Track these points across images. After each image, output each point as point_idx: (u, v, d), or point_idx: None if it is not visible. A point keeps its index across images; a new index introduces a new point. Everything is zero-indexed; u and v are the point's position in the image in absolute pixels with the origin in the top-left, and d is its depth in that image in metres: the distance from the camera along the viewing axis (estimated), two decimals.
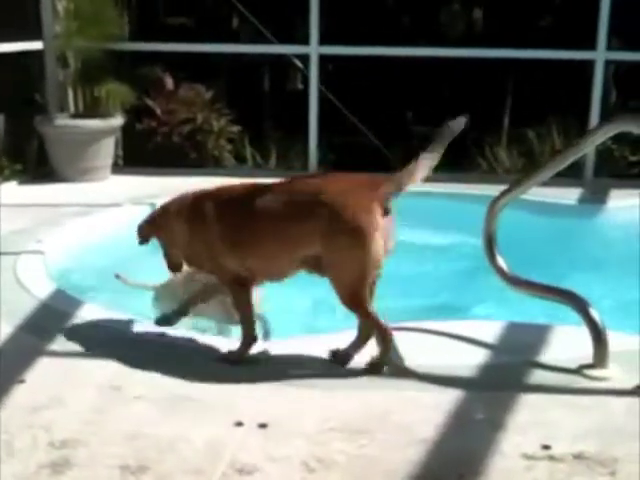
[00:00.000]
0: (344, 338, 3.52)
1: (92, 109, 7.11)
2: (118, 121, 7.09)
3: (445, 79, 9.70)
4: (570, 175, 6.21)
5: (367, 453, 2.54)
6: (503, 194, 3.55)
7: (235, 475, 2.40)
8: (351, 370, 3.15)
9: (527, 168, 7.68)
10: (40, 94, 7.44)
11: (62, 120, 6.96)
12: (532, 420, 2.76)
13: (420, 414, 2.79)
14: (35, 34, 7.07)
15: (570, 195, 6.49)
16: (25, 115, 7.18)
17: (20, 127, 7.24)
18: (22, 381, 2.99)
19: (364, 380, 3.09)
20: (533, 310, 3.95)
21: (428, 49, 8.26)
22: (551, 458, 2.51)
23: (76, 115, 7.09)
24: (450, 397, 2.90)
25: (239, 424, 2.70)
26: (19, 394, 2.91)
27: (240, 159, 8.24)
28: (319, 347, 3.42)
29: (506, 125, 8.46)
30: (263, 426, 2.69)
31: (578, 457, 2.51)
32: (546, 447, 2.56)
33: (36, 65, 7.23)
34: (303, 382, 3.04)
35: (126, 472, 2.41)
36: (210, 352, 3.32)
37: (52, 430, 2.65)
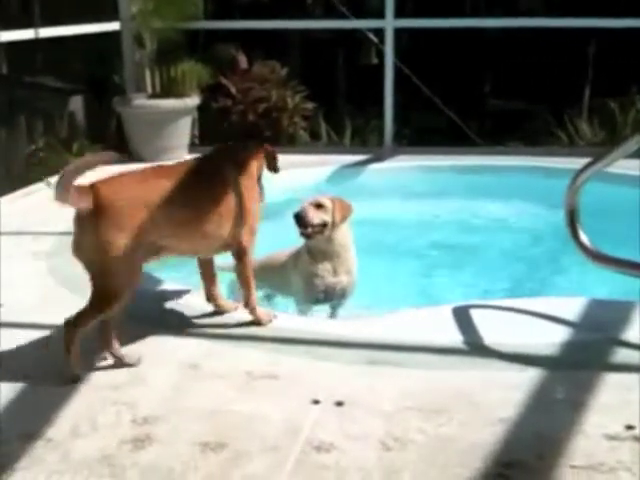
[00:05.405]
0: (416, 315, 3.52)
1: (168, 89, 7.18)
2: (194, 100, 7.15)
3: (523, 50, 9.50)
4: None
5: (445, 432, 2.51)
6: (585, 167, 3.45)
7: (312, 453, 2.41)
8: (429, 348, 3.13)
9: (609, 140, 7.49)
10: (118, 75, 7.56)
11: (139, 100, 7.05)
12: (615, 400, 2.69)
13: (499, 393, 2.75)
14: (112, 15, 7.18)
15: None
16: (104, 96, 7.31)
17: (99, 108, 7.39)
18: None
19: (442, 358, 3.07)
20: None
21: (505, 19, 8.10)
22: (635, 439, 2.44)
23: (153, 95, 7.17)
24: (531, 376, 2.85)
25: (316, 402, 2.71)
26: (102, 371, 2.98)
27: (315, 136, 8.24)
28: (394, 325, 3.42)
29: (587, 96, 8.23)
30: (340, 404, 2.69)
31: None
32: (630, 427, 2.50)
33: (113, 46, 7.34)
34: (379, 360, 3.03)
35: (206, 448, 2.44)
36: (288, 331, 3.34)
37: (134, 406, 2.70)
